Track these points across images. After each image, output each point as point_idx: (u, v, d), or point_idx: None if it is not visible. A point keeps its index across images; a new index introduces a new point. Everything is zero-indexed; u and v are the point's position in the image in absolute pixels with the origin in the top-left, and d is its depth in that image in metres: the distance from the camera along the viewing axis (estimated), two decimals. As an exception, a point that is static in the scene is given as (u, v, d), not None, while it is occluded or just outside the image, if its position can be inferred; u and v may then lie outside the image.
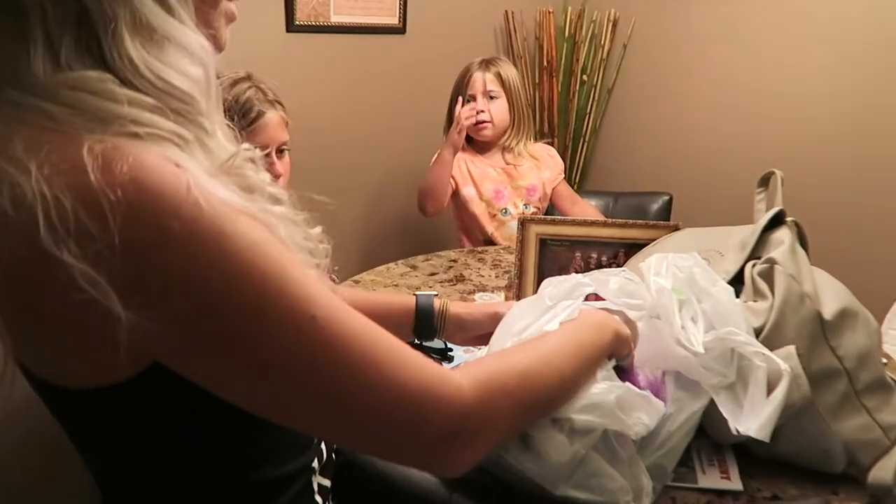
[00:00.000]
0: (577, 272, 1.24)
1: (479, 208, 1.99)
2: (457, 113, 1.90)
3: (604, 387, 0.68)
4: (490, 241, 2.00)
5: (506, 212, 2.00)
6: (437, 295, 0.88)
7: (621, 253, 1.19)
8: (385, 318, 0.85)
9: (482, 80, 1.92)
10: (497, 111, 1.93)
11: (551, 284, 0.82)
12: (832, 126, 2.09)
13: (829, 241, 1.95)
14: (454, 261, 1.67)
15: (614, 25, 2.48)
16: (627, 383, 0.71)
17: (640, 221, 1.19)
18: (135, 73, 0.48)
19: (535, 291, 1.15)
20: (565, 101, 2.57)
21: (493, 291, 1.46)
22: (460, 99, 1.94)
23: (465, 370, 0.54)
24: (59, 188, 0.42)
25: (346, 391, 0.47)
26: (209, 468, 0.57)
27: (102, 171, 0.42)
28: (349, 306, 0.50)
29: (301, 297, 0.47)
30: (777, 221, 0.99)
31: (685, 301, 0.83)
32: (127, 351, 0.44)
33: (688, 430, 0.78)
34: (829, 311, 0.85)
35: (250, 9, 1.97)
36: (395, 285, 1.50)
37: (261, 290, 0.45)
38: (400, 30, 2.28)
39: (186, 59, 0.50)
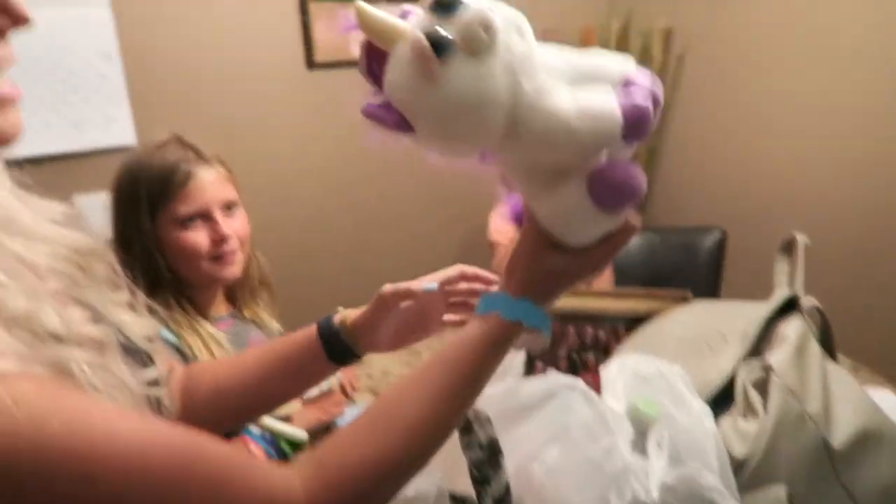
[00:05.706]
0: (571, 350, 1.09)
1: None
2: None
3: None
4: None
5: None
6: (336, 312, 0.75)
7: (621, 328, 1.03)
8: (289, 356, 0.73)
9: None
10: None
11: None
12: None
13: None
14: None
15: (666, 36, 2.27)
16: None
17: (641, 291, 1.03)
18: None
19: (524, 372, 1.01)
20: (614, 122, 2.37)
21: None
22: None
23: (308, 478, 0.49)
24: None
25: None
26: None
27: None
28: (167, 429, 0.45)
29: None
30: (793, 306, 0.80)
31: (655, 419, 0.68)
32: None
33: None
34: (840, 438, 0.67)
35: (269, 49, 1.94)
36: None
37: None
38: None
39: None
